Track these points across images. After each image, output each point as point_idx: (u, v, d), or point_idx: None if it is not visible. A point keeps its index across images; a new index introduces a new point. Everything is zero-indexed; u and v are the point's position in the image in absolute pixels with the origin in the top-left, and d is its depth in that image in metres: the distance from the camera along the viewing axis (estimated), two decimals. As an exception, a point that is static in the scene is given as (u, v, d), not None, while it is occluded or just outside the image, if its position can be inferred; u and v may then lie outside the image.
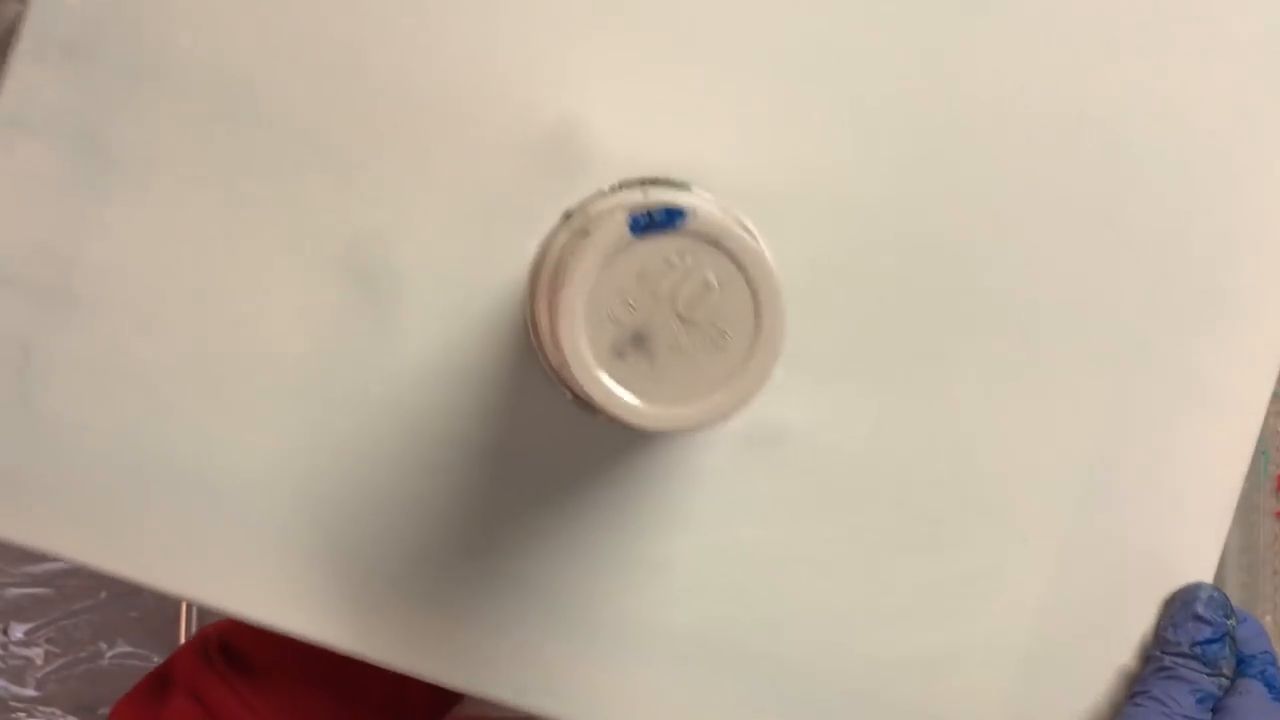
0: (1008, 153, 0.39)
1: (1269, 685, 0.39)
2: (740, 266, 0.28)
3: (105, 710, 0.62)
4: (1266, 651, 0.40)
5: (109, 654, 0.71)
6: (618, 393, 0.29)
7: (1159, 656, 0.39)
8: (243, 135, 0.37)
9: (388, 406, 0.38)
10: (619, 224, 0.28)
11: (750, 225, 0.37)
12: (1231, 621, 0.39)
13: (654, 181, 0.37)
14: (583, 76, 0.38)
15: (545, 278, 0.36)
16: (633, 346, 0.29)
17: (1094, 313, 0.39)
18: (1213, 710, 0.38)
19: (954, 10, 0.38)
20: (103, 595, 0.71)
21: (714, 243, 0.28)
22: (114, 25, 0.37)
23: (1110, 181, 0.39)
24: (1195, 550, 0.40)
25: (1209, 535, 0.40)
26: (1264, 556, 0.53)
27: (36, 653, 0.63)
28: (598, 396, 0.28)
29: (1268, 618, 0.53)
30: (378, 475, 0.38)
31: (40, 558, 0.59)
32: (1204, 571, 0.40)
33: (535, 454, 0.38)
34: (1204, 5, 0.39)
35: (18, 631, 0.62)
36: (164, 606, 0.72)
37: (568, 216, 0.37)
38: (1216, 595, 0.39)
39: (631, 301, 0.29)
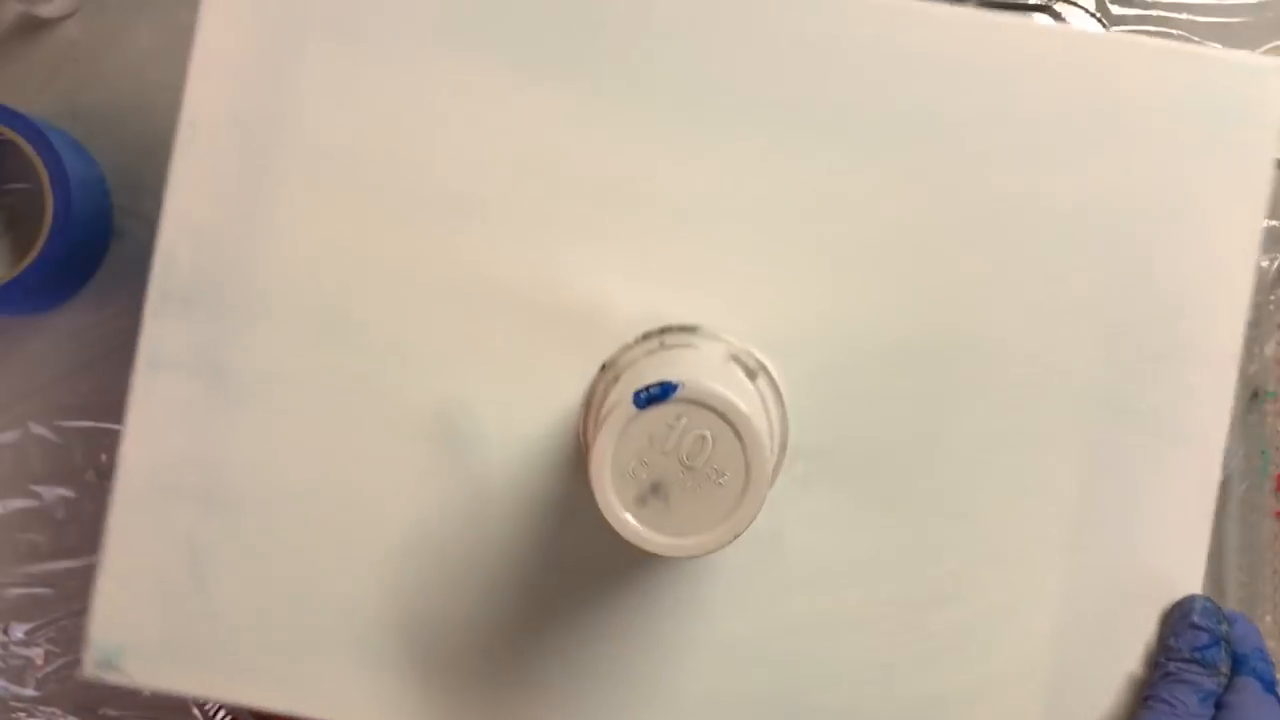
0: (969, 262, 0.45)
1: (1261, 679, 0.43)
2: (727, 421, 0.36)
3: (105, 710, 0.60)
4: (1258, 649, 0.44)
5: (110, 654, 0.71)
6: (643, 532, 0.36)
7: (1164, 663, 0.44)
8: (337, 345, 0.45)
9: (471, 539, 0.46)
10: (626, 404, 0.35)
11: (756, 353, 0.44)
12: (1224, 626, 0.44)
13: (668, 329, 0.45)
14: (602, 259, 0.45)
15: (593, 415, 0.44)
16: (651, 494, 0.36)
17: (1062, 379, 0.45)
18: (1216, 706, 0.43)
19: (920, 158, 0.45)
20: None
21: (703, 405, 0.36)
22: (221, 274, 0.45)
23: (1062, 270, 0.45)
24: (1182, 565, 0.45)
25: (1192, 550, 0.45)
26: (1264, 557, 0.54)
27: (36, 653, 0.60)
28: (627, 537, 0.36)
29: (1268, 618, 0.54)
30: (469, 596, 0.46)
31: (40, 558, 0.60)
32: (1193, 583, 0.45)
33: (598, 560, 0.45)
34: (1114, 110, 0.45)
35: (18, 631, 0.60)
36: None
37: (604, 367, 0.45)
38: (1209, 605, 0.44)
39: (645, 460, 0.36)
